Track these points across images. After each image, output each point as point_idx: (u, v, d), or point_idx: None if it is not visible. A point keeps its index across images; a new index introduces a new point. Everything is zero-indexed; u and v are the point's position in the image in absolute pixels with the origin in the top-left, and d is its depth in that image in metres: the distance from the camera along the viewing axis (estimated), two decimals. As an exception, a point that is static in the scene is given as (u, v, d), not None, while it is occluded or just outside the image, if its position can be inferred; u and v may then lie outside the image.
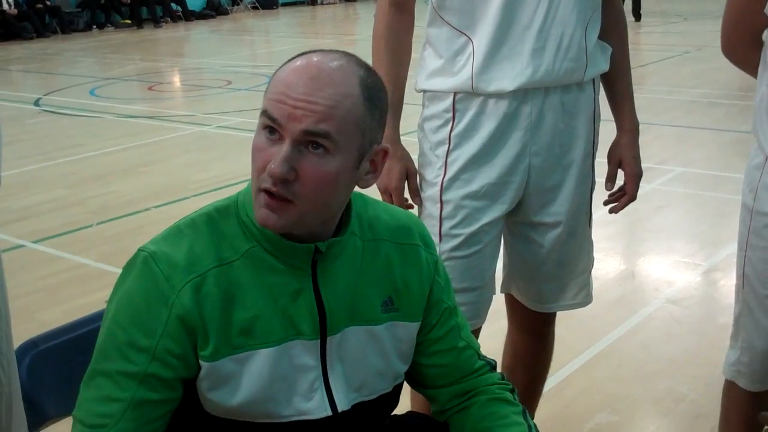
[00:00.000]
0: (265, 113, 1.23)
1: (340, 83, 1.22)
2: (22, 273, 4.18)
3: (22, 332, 1.43)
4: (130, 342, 1.25)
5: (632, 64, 2.17)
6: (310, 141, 1.21)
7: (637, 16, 14.52)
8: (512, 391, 1.52)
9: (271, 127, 1.22)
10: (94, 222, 5.08)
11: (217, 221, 1.31)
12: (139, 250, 1.29)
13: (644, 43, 12.05)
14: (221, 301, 1.27)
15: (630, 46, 2.18)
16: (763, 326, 1.89)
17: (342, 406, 1.36)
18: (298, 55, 1.28)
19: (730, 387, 2.07)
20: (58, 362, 1.47)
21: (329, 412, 1.34)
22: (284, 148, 1.21)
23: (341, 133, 1.22)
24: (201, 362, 1.27)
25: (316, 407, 1.34)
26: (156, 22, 17.59)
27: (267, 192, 1.23)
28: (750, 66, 1.85)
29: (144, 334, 1.25)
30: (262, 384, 1.29)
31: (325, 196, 1.25)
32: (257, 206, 1.25)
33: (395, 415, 1.56)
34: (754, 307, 1.89)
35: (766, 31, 1.76)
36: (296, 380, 1.32)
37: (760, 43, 1.79)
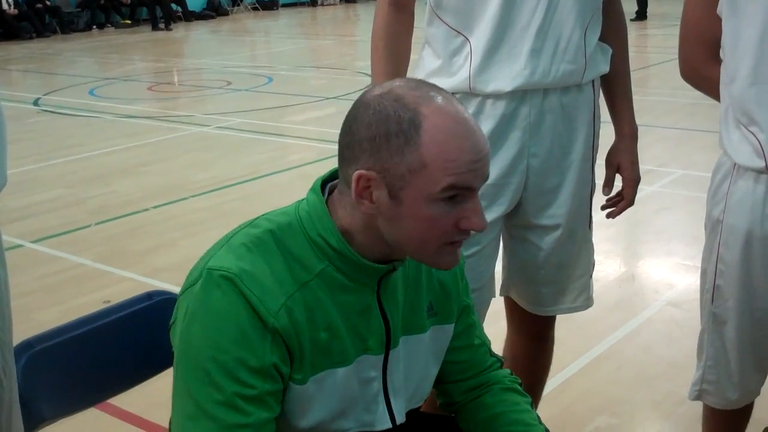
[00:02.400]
0: (453, 188, 1.21)
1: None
2: (20, 273, 4.16)
3: (18, 332, 1.42)
4: (241, 364, 1.20)
5: (634, 66, 2.16)
6: None
7: (643, 15, 14.55)
8: (520, 385, 1.58)
9: (455, 195, 1.22)
10: (93, 222, 5.06)
11: (282, 240, 1.28)
12: (211, 269, 1.23)
13: (646, 45, 12.05)
14: (308, 324, 1.25)
15: (632, 49, 2.17)
16: (733, 340, 1.87)
17: (399, 417, 1.39)
18: (414, 112, 1.20)
19: (705, 410, 2.05)
20: (55, 363, 1.46)
21: (389, 425, 1.37)
22: (477, 203, 1.25)
23: None
24: (291, 384, 1.26)
25: (378, 419, 1.36)
26: (166, 23, 17.42)
27: (456, 242, 1.26)
28: (710, 85, 1.83)
29: (253, 355, 1.20)
30: (335, 401, 1.30)
31: None
32: (445, 256, 1.27)
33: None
34: (727, 320, 1.86)
35: (722, 51, 1.76)
36: (362, 394, 1.34)
37: (718, 61, 1.78)
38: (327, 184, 1.34)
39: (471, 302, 1.53)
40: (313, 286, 1.27)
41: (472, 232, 1.26)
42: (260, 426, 1.21)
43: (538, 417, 1.52)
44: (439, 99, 1.22)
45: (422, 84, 1.26)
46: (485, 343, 1.57)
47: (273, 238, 1.27)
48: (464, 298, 1.50)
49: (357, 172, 1.21)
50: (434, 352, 1.45)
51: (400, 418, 1.39)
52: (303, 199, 1.32)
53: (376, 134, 1.20)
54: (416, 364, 1.42)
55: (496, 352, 1.60)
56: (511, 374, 1.58)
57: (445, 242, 1.25)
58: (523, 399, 1.54)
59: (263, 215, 1.33)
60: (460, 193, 1.22)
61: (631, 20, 14.16)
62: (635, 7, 14.71)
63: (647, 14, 14.64)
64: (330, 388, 1.29)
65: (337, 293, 1.28)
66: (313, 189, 1.32)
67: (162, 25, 17.31)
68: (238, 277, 1.21)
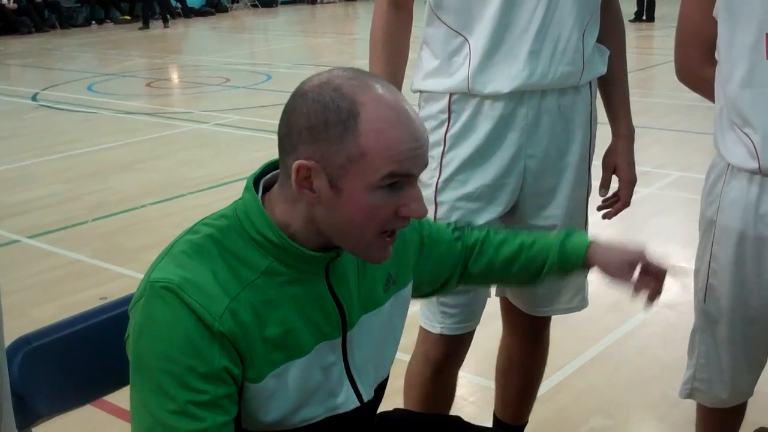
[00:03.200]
0: (393, 175, 1.21)
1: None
2: (16, 268, 4.16)
3: (14, 328, 1.42)
4: (191, 372, 1.20)
5: (632, 67, 2.16)
6: None
7: (649, 17, 14.55)
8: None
9: (394, 182, 1.23)
10: (90, 218, 5.06)
11: (222, 242, 1.28)
12: (153, 281, 1.23)
13: (644, 46, 12.06)
14: (256, 322, 1.25)
15: (629, 50, 2.17)
16: (724, 339, 1.87)
17: (367, 395, 1.40)
18: (351, 101, 1.22)
19: (698, 409, 2.06)
20: (51, 360, 1.46)
21: (357, 403, 1.38)
22: (416, 190, 1.26)
23: None
24: (246, 384, 1.26)
25: (344, 401, 1.37)
26: (164, 20, 17.32)
27: (391, 232, 1.27)
28: (705, 86, 1.84)
29: (202, 361, 1.21)
30: (299, 392, 1.31)
31: None
32: (380, 247, 1.29)
33: (383, 412, 1.60)
34: (719, 319, 1.87)
35: (717, 52, 1.76)
36: (326, 380, 1.35)
37: (714, 62, 1.79)
38: (260, 180, 1.34)
39: (428, 232, 1.57)
40: (260, 284, 1.27)
41: (418, 217, 1.27)
42: (217, 429, 1.22)
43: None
44: (377, 87, 1.23)
45: (361, 73, 1.26)
46: (445, 239, 1.60)
47: (213, 242, 1.27)
48: (425, 234, 1.55)
49: (297, 162, 1.22)
50: (399, 316, 1.48)
51: (367, 396, 1.40)
52: (239, 200, 1.33)
53: (315, 124, 1.21)
54: (377, 339, 1.43)
55: (450, 223, 1.67)
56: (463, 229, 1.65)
57: (383, 230, 1.26)
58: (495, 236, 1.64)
59: (202, 220, 1.33)
60: (400, 180, 1.23)
61: (630, 21, 14.17)
62: (634, 8, 14.71)
63: (654, 16, 14.64)
64: (291, 381, 1.30)
65: (285, 287, 1.29)
66: (246, 188, 1.32)
67: (152, 22, 17.24)
68: (179, 286, 1.21)
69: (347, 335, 1.36)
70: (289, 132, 1.24)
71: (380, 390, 1.47)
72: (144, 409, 1.23)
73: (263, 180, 1.34)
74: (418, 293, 1.58)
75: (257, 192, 1.31)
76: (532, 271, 1.63)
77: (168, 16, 17.16)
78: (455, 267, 1.61)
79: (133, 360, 1.25)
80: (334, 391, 1.36)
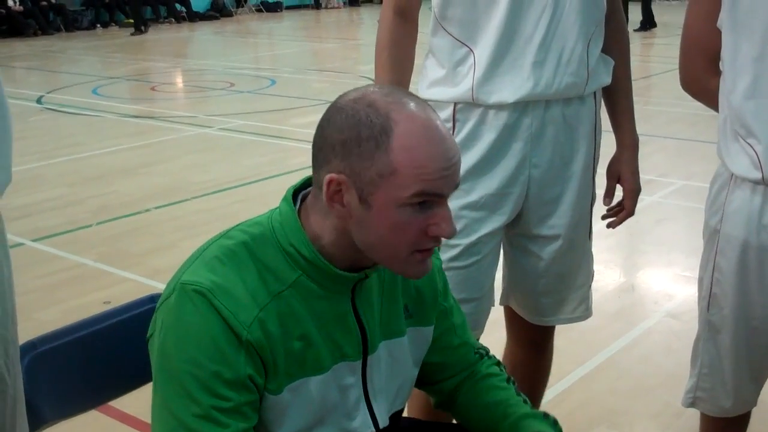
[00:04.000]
0: (422, 194, 1.21)
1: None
2: (20, 272, 4.14)
3: (18, 332, 1.42)
4: (217, 378, 1.21)
5: (635, 75, 2.16)
6: None
7: (652, 24, 14.60)
8: (498, 363, 1.60)
9: (424, 201, 1.23)
10: (94, 222, 5.07)
11: (255, 251, 1.28)
12: (185, 284, 1.24)
13: (647, 54, 12.06)
14: (281, 334, 1.26)
15: (632, 58, 2.17)
16: (728, 348, 1.87)
17: (383, 421, 1.40)
18: (386, 117, 1.21)
19: (701, 419, 2.06)
20: (57, 365, 1.46)
21: (372, 429, 1.38)
22: (447, 211, 1.25)
23: None
24: (266, 394, 1.27)
25: (360, 425, 1.37)
26: (143, 24, 16.54)
27: (426, 251, 1.27)
28: (710, 96, 1.84)
29: (228, 368, 1.21)
30: (313, 410, 1.31)
31: None
32: (414, 264, 1.28)
33: None
34: (722, 329, 1.87)
35: (721, 62, 1.76)
36: (343, 402, 1.34)
37: (718, 72, 1.79)
38: (300, 192, 1.35)
39: (450, 305, 1.54)
40: (287, 296, 1.27)
41: (448, 236, 1.26)
42: None
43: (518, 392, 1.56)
44: (411, 105, 1.23)
45: (395, 90, 1.27)
46: (468, 343, 1.57)
47: (246, 249, 1.28)
48: (441, 301, 1.51)
49: (328, 176, 1.22)
50: (413, 354, 1.46)
51: (383, 422, 1.40)
52: (276, 209, 1.33)
53: (348, 138, 1.21)
54: (397, 368, 1.43)
55: (481, 347, 1.61)
56: (496, 363, 1.59)
57: (414, 249, 1.25)
58: (497, 379, 1.56)
59: (237, 226, 1.33)
60: (430, 199, 1.22)
61: (635, 30, 14.20)
62: (640, 17, 14.74)
63: (656, 22, 14.67)
64: (306, 397, 1.29)
65: (311, 302, 1.29)
66: (285, 198, 1.33)
67: (156, 26, 17.16)
68: (211, 291, 1.22)
69: (368, 359, 1.36)
70: (322, 145, 1.25)
71: (395, 419, 1.46)
72: (167, 411, 1.23)
73: (303, 192, 1.34)
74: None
75: (295, 204, 1.32)
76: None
77: (142, 26, 16.56)
78: (445, 358, 1.55)
79: (158, 359, 1.26)
80: (350, 413, 1.35)
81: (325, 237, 1.28)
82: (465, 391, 1.55)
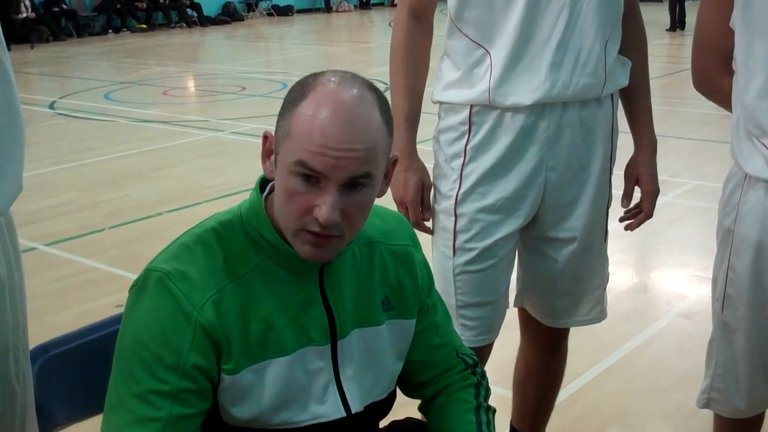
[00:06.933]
0: (302, 164, 1.22)
1: (369, 120, 1.24)
2: (32, 276, 4.18)
3: (30, 336, 1.43)
4: (158, 361, 1.25)
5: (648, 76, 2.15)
6: (352, 183, 1.24)
7: (682, 24, 14.56)
8: (477, 385, 1.55)
9: (308, 175, 1.23)
10: (106, 226, 5.09)
11: (223, 236, 1.33)
12: (150, 270, 1.29)
13: (659, 55, 12.02)
14: (239, 315, 1.29)
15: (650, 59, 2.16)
16: (742, 348, 1.86)
17: (355, 407, 1.39)
18: (310, 86, 1.25)
19: (715, 419, 2.05)
20: (69, 368, 1.47)
21: (343, 413, 1.38)
22: (330, 196, 1.23)
23: (377, 167, 1.27)
24: (223, 375, 1.29)
25: (330, 409, 1.37)
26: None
27: (312, 232, 1.26)
28: (722, 96, 1.84)
29: (171, 352, 1.25)
30: (278, 392, 1.32)
31: (363, 223, 1.32)
32: (300, 243, 1.27)
33: (395, 420, 1.59)
34: (737, 329, 1.86)
35: (734, 62, 1.76)
36: (311, 385, 1.35)
37: (730, 72, 1.78)
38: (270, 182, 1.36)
39: (434, 303, 1.53)
40: (249, 279, 1.30)
41: (325, 223, 1.24)
42: (172, 421, 1.25)
43: (479, 420, 1.51)
44: (341, 85, 1.24)
45: (353, 75, 1.28)
46: (449, 344, 1.55)
47: (215, 235, 1.32)
48: (424, 297, 1.51)
49: (264, 131, 1.29)
50: (394, 346, 1.46)
51: (355, 407, 1.39)
52: (248, 198, 1.37)
53: (284, 101, 1.28)
54: (372, 357, 1.42)
55: (468, 355, 1.58)
56: (473, 373, 1.56)
57: (301, 227, 1.26)
58: (464, 407, 1.52)
59: (212, 215, 1.38)
60: (312, 174, 1.22)
61: (666, 30, 14.29)
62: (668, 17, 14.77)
63: (685, 23, 14.65)
64: (269, 378, 1.31)
65: (275, 285, 1.32)
66: (254, 187, 1.37)
67: (169, 30, 17.13)
68: (168, 275, 1.26)
69: (338, 344, 1.37)
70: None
71: (377, 409, 1.45)
72: (113, 386, 1.29)
73: (272, 183, 1.36)
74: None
75: (264, 193, 1.36)
76: None
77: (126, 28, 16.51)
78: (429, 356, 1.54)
79: (117, 341, 1.31)
80: (320, 398, 1.36)
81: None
82: (436, 405, 1.55)
